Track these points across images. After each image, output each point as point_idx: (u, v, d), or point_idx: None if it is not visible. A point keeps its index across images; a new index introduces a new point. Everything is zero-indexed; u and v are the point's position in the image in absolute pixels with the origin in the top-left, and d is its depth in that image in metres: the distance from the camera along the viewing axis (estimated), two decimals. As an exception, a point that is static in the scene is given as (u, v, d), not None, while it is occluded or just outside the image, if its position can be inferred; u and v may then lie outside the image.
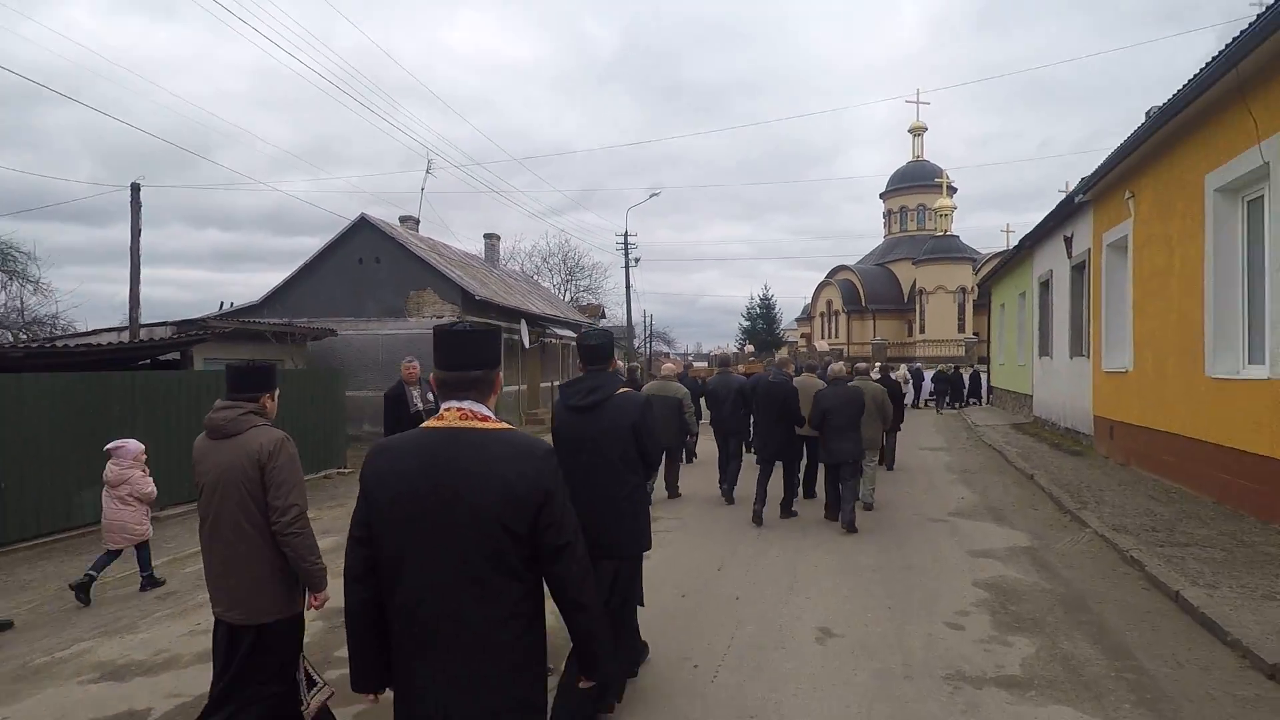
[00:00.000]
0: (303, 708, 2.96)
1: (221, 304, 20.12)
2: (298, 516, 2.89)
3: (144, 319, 13.97)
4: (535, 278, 42.62)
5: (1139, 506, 7.62)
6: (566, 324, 26.82)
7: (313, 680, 3.07)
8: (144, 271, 14.21)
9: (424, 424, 1.89)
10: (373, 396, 16.44)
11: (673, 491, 9.27)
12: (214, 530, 2.93)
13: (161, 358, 10.98)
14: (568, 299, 45.33)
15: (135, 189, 13.52)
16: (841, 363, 10.04)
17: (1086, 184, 11.31)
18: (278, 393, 3.20)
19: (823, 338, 50.87)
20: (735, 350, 51.58)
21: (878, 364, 16.32)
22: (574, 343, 28.59)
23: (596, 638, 1.93)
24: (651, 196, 34.49)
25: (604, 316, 54.20)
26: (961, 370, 26.07)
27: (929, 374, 27.08)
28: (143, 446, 6.11)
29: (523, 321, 21.33)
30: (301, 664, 3.03)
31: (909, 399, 26.62)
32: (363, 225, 18.77)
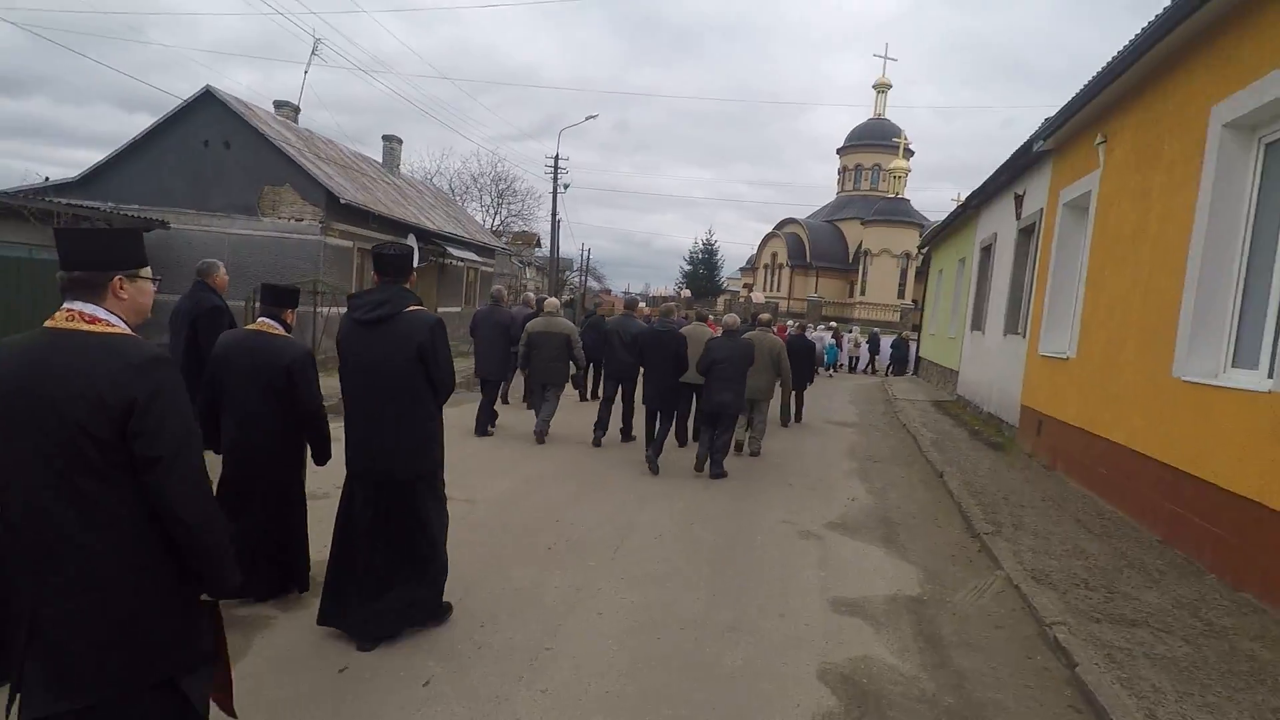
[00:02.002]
0: None
1: (47, 179, 16.75)
2: None
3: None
4: (461, 198, 39.23)
5: (1066, 537, 5.82)
6: (476, 246, 24.07)
7: None
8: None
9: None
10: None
11: (542, 433, 8.83)
12: None
13: None
14: (496, 224, 42.08)
15: None
16: (735, 315, 8.44)
17: (1048, 127, 9.25)
18: None
19: (763, 290, 49.13)
20: (674, 294, 49.54)
21: (801, 321, 14.64)
22: (483, 268, 26.20)
23: (203, 554, 1.87)
24: (587, 119, 31.03)
25: (538, 246, 51.24)
26: (908, 338, 24.58)
27: (886, 340, 25.47)
28: None
29: (411, 236, 18.57)
30: None
31: (861, 363, 25.31)
32: (208, 100, 15.49)
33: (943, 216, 22.21)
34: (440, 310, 21.86)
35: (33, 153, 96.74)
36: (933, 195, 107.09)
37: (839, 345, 24.82)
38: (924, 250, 25.39)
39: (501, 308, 9.46)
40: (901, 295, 42.46)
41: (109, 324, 1.83)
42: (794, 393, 11.83)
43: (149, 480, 1.77)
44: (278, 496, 3.82)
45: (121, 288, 1.89)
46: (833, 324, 28.22)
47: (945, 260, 19.61)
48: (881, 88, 47.69)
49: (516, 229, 46.55)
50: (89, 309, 1.82)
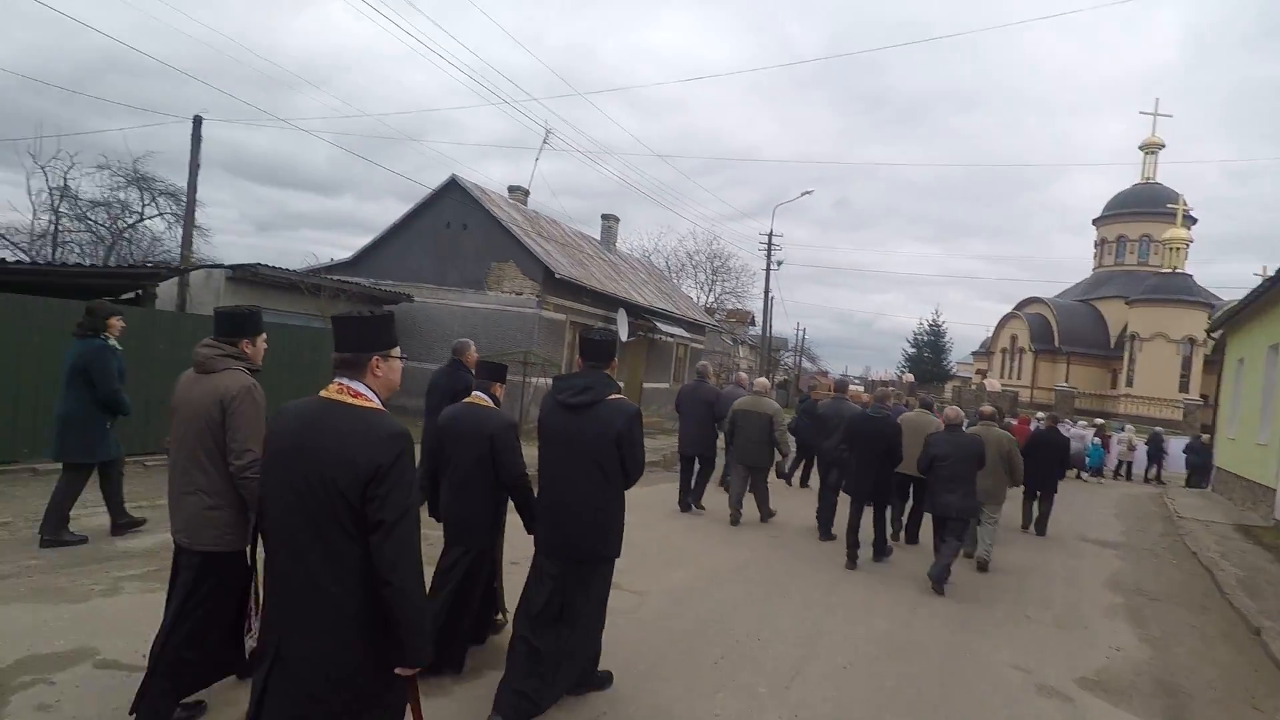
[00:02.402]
0: (247, 634, 3.11)
1: (332, 260, 19.75)
2: (252, 462, 2.95)
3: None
4: (675, 275, 40.33)
5: None
6: (686, 323, 24.19)
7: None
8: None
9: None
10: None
11: (735, 516, 8.38)
12: (175, 458, 3.13)
13: (123, 296, 9.78)
14: (709, 301, 42.55)
15: (197, 122, 12.81)
16: (957, 408, 7.42)
17: None
18: (261, 339, 3.35)
19: (1000, 377, 44.03)
20: (895, 379, 46.23)
21: (1052, 414, 12.45)
22: (692, 344, 26.21)
23: (404, 620, 2.02)
24: (803, 194, 30.74)
25: (752, 324, 50.91)
26: (1204, 440, 20.05)
27: (1176, 442, 21.19)
28: None
29: (621, 311, 19.00)
30: (252, 597, 3.05)
31: (1137, 468, 21.19)
32: (452, 187, 17.36)
33: (1239, 295, 18.09)
34: (646, 386, 22.05)
35: (338, 241, 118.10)
36: (1222, 270, 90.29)
37: (1105, 446, 20.77)
38: (1216, 335, 20.89)
39: (706, 384, 9.24)
40: (1185, 388, 35.58)
41: (367, 399, 2.15)
42: (1038, 497, 9.93)
43: (372, 539, 2.00)
44: (477, 562, 3.95)
45: (378, 366, 2.20)
46: (1097, 421, 23.73)
47: (1249, 346, 15.77)
48: (1151, 148, 41.70)
49: (730, 306, 46.73)
50: (353, 385, 2.16)
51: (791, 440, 9.54)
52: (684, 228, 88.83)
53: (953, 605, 6.12)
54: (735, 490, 8.47)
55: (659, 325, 20.75)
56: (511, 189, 20.97)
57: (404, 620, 2.02)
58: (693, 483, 8.96)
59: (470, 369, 5.65)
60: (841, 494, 7.75)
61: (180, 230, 24.89)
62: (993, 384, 35.18)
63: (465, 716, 3.48)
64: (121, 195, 25.05)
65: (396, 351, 2.27)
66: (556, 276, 16.10)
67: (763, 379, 9.08)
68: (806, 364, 56.31)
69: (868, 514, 7.27)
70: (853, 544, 7.07)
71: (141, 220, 25.84)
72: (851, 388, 9.42)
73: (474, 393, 4.09)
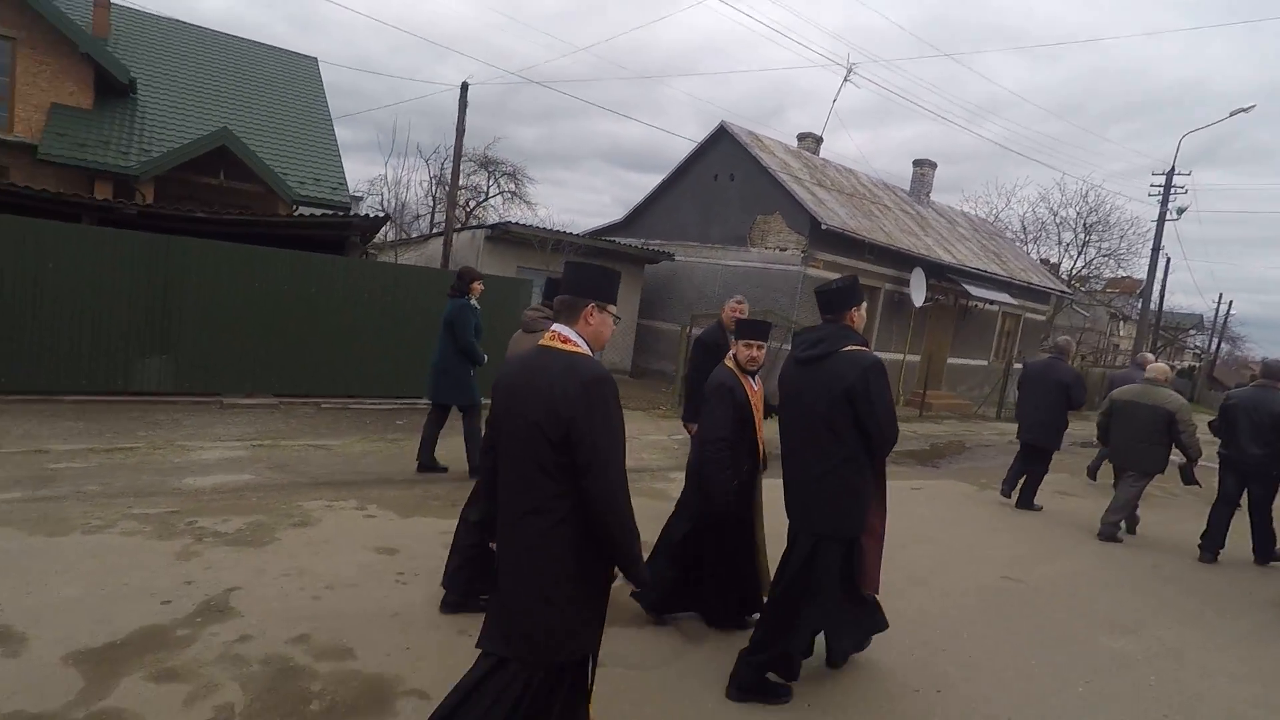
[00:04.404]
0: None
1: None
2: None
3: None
4: (1032, 237, 33.38)
5: None
6: (1017, 287, 19.53)
7: None
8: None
9: None
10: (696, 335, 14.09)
11: (1109, 534, 6.94)
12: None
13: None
14: (1079, 267, 34.45)
15: (464, 88, 13.53)
16: None
17: None
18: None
19: None
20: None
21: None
22: (1028, 314, 21.12)
23: (617, 544, 2.15)
24: (1234, 114, 21.99)
25: (1141, 295, 40.07)
26: None
27: None
28: None
29: (917, 270, 15.86)
30: None
31: None
32: (721, 136, 16.05)
33: None
34: (953, 361, 18.36)
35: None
36: None
37: None
38: None
39: (1063, 362, 7.79)
40: None
41: (576, 345, 2.22)
42: None
43: (582, 482, 2.10)
44: (738, 527, 3.82)
45: (591, 314, 2.26)
46: None
47: None
48: None
49: (1113, 274, 37.37)
50: (565, 330, 2.24)
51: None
52: (1066, 184, 73.03)
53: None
54: (1119, 499, 6.97)
55: (968, 289, 16.90)
56: (801, 136, 18.89)
57: (618, 549, 2.17)
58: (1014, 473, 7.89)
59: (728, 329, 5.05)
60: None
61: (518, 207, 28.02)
62: None
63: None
64: (473, 179, 29.03)
65: (612, 308, 2.32)
66: (823, 227, 13.83)
67: (1160, 364, 7.42)
68: (1228, 347, 42.71)
69: None
70: None
71: (487, 199, 29.75)
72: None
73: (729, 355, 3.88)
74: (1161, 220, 23.56)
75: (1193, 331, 43.45)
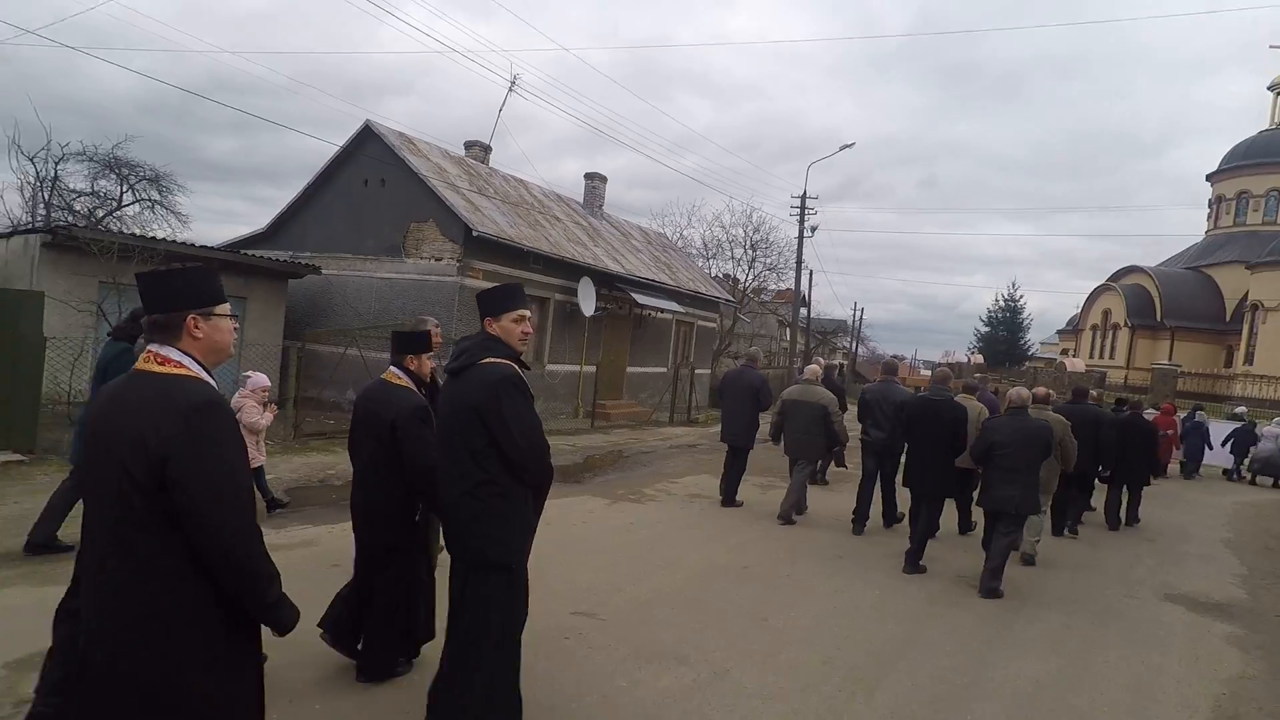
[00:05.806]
0: None
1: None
2: None
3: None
4: (710, 254, 36.60)
5: None
6: (687, 296, 20.76)
7: None
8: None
9: None
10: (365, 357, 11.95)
11: (786, 515, 7.81)
12: None
13: None
14: (750, 280, 38.64)
15: None
16: (1022, 389, 6.78)
17: None
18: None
19: (1087, 357, 38.32)
20: (965, 361, 41.15)
21: (1139, 397, 9.46)
22: (700, 323, 22.80)
23: (245, 594, 1.81)
24: (842, 149, 26.28)
25: (806, 304, 46.48)
26: None
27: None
28: (267, 383, 6.32)
29: (585, 280, 15.90)
30: None
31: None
32: (368, 138, 14.66)
33: None
34: (633, 370, 18.87)
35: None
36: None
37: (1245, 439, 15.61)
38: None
39: (753, 370, 8.69)
40: (1321, 367, 29.40)
41: (179, 365, 1.81)
42: (1125, 491, 9.17)
43: (187, 534, 1.71)
44: (390, 560, 3.53)
45: (196, 327, 1.86)
46: (1239, 409, 17.81)
47: None
48: (1280, 87, 35.08)
49: (775, 287, 42.61)
50: (163, 350, 1.82)
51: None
52: (723, 205, 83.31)
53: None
54: (793, 486, 7.90)
55: (637, 298, 17.49)
56: (468, 144, 18.17)
57: (246, 595, 1.83)
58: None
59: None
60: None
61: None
62: (1074, 364, 30.13)
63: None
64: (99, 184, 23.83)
65: (223, 309, 1.92)
66: (474, 234, 13.13)
67: (814, 366, 8.60)
68: (864, 350, 51.40)
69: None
70: (916, 552, 6.37)
71: (120, 208, 24.63)
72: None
73: (389, 368, 3.71)
74: (801, 236, 27.52)
75: (838, 334, 51.46)
